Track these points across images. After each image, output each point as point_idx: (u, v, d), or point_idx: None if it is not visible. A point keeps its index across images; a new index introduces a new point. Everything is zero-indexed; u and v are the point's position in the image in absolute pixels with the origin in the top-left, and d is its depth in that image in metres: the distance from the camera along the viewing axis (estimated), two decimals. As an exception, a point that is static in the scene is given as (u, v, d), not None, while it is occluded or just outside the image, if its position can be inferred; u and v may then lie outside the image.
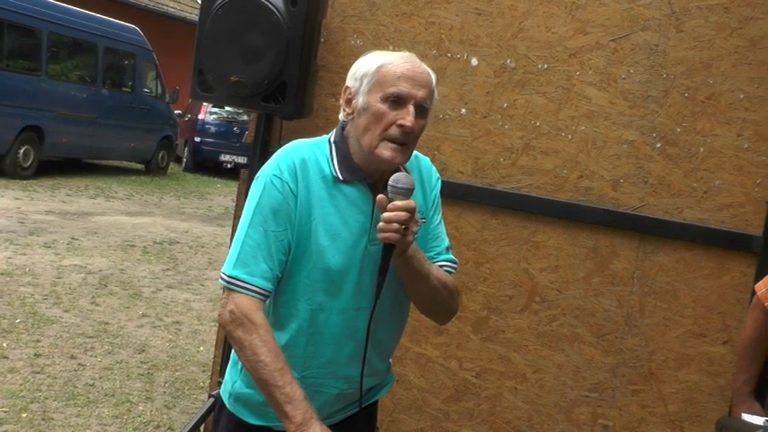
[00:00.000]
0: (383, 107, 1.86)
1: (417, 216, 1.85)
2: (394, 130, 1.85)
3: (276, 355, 1.80)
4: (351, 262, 1.90)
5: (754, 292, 2.72)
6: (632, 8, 3.20)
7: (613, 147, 3.25)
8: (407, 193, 1.82)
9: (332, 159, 1.92)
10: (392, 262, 1.88)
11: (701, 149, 3.16)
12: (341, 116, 1.97)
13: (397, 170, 1.89)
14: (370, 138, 1.87)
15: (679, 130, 3.18)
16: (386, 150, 1.86)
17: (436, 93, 1.95)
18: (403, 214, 1.79)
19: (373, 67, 1.89)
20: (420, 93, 1.87)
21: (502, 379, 3.39)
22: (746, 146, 3.11)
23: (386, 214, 1.80)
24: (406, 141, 1.87)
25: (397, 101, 1.85)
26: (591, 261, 3.29)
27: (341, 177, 1.91)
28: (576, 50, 3.27)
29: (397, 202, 1.80)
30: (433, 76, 1.93)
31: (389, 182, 1.82)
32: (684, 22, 3.16)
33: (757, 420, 2.36)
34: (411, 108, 1.85)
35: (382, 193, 1.84)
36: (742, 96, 3.11)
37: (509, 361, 3.39)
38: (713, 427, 2.86)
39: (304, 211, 1.87)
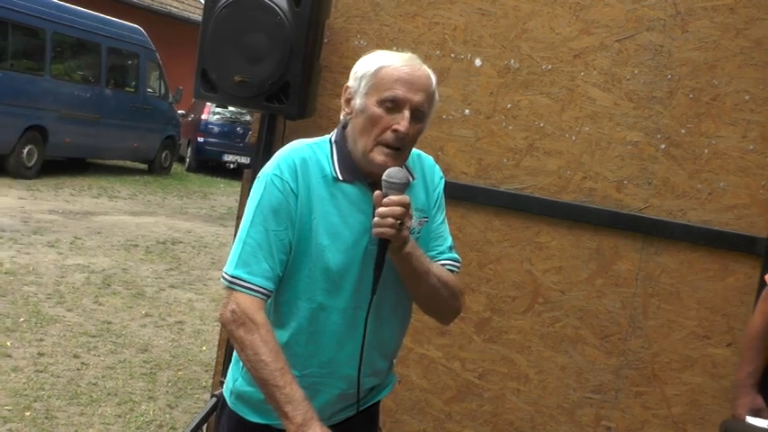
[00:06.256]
0: (379, 111, 1.85)
1: (412, 211, 1.85)
2: (388, 135, 1.85)
3: (277, 354, 1.80)
4: (351, 261, 1.90)
5: (763, 284, 2.70)
6: (637, 9, 3.20)
7: (617, 148, 3.24)
8: (401, 187, 1.82)
9: (332, 159, 1.92)
10: (390, 259, 1.88)
11: (706, 151, 3.15)
12: (342, 116, 1.96)
13: None
14: (365, 141, 1.87)
15: (683, 131, 3.17)
16: (379, 155, 1.86)
17: (436, 95, 1.94)
18: (397, 209, 1.79)
19: (372, 68, 1.88)
20: (417, 97, 1.86)
21: (504, 380, 3.38)
22: (751, 147, 3.10)
23: (380, 209, 1.80)
24: (401, 146, 1.86)
25: (392, 105, 1.85)
26: (594, 262, 3.28)
27: (341, 177, 1.91)
28: (581, 51, 3.27)
29: (392, 197, 1.80)
30: (433, 79, 1.92)
31: (383, 176, 1.82)
32: (689, 22, 3.15)
33: (762, 423, 2.34)
34: (406, 113, 1.84)
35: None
36: (747, 97, 3.10)
37: (512, 362, 3.38)
38: (717, 429, 2.85)
39: (305, 211, 1.87)
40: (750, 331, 2.69)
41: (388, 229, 1.79)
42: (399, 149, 1.87)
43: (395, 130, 1.84)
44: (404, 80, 1.85)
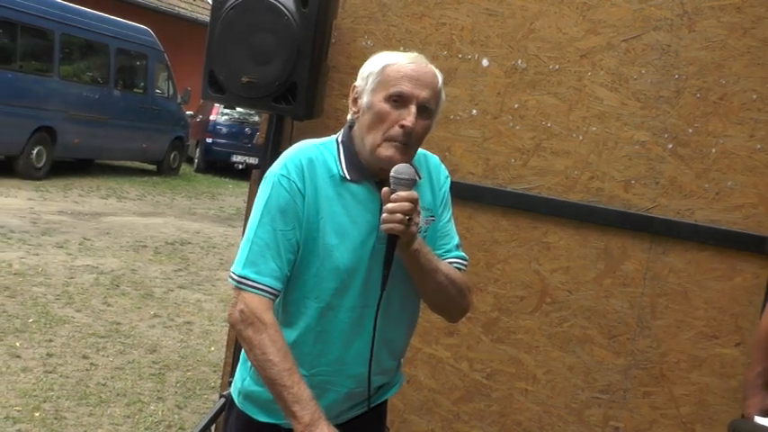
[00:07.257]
0: (386, 107, 1.87)
1: (420, 207, 1.86)
2: (395, 130, 1.86)
3: (285, 354, 1.81)
4: (359, 260, 1.91)
5: None
6: (644, 8, 3.19)
7: (625, 147, 3.23)
8: (410, 183, 1.83)
9: (339, 159, 1.93)
10: (399, 256, 1.89)
11: (713, 150, 3.14)
12: (349, 116, 1.98)
13: None
14: (372, 137, 1.88)
15: (691, 130, 3.16)
16: (386, 150, 1.87)
17: (443, 94, 1.95)
18: (406, 204, 1.80)
19: (378, 66, 1.90)
20: (423, 93, 1.87)
21: (512, 380, 3.38)
22: (759, 146, 3.09)
23: (389, 205, 1.81)
24: (408, 142, 1.87)
25: (399, 100, 1.86)
26: (602, 262, 3.27)
27: (348, 177, 1.92)
28: (588, 51, 3.26)
29: (401, 193, 1.81)
30: (440, 78, 1.93)
31: (391, 173, 1.83)
32: (696, 22, 3.14)
33: (769, 423, 2.34)
34: (413, 108, 1.86)
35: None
36: (755, 97, 3.09)
37: (520, 362, 3.38)
38: (725, 429, 2.84)
39: (312, 210, 1.89)
40: (760, 331, 2.69)
41: (396, 225, 1.81)
42: (406, 145, 1.88)
43: (402, 126, 1.85)
44: (410, 76, 1.87)
